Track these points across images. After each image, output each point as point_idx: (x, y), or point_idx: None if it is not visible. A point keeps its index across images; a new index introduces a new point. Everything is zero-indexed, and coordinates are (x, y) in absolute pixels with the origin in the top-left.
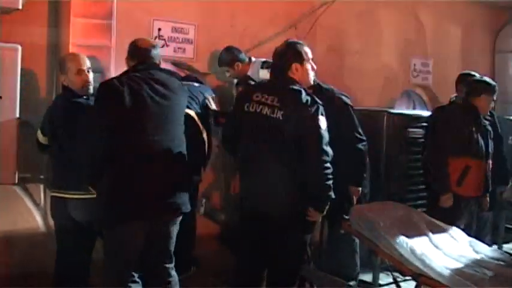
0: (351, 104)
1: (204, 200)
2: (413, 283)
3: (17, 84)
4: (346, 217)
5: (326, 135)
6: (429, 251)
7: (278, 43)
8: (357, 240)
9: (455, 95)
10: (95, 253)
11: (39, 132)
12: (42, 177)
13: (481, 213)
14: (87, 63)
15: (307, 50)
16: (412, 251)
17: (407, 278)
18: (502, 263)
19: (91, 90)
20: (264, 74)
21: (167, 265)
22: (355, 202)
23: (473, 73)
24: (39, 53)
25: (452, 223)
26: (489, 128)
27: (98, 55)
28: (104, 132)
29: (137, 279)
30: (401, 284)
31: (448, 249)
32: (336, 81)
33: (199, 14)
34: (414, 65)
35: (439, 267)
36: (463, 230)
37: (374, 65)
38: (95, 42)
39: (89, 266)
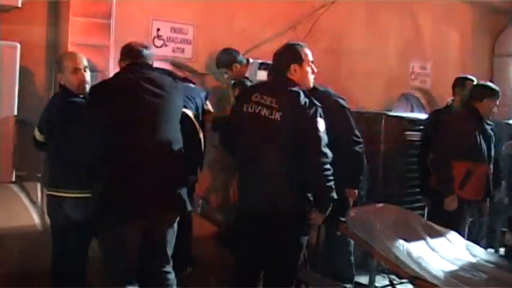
0: (348, 106)
1: (201, 201)
2: (410, 286)
3: (16, 82)
4: (343, 219)
5: (325, 137)
6: (426, 254)
7: (277, 44)
8: (352, 242)
9: (452, 98)
10: (91, 252)
11: (36, 130)
12: (39, 175)
13: (481, 217)
14: (84, 62)
15: (307, 52)
16: (409, 254)
17: (403, 280)
18: (497, 266)
19: (87, 90)
20: (262, 76)
21: (165, 268)
22: (351, 204)
23: (470, 77)
24: (38, 52)
25: (457, 226)
26: (491, 132)
27: (96, 54)
28: (98, 133)
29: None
30: (398, 286)
31: (445, 252)
32: (334, 82)
33: (198, 14)
34: (413, 67)
35: (436, 270)
36: (459, 232)
37: (373, 67)
38: (93, 41)
39: (85, 265)
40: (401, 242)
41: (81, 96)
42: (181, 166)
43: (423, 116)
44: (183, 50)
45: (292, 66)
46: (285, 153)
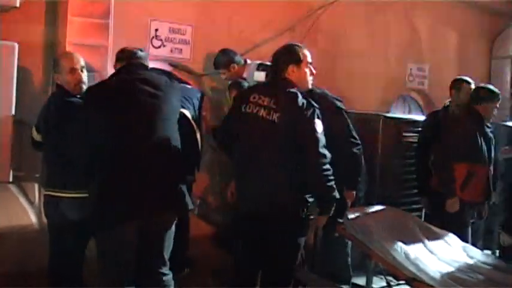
0: (344, 107)
1: (198, 201)
2: (407, 287)
3: (13, 82)
4: (341, 220)
5: (322, 139)
6: (423, 256)
7: (275, 45)
8: (350, 243)
9: (449, 99)
10: (88, 252)
11: (34, 129)
12: (37, 175)
13: (479, 220)
14: (81, 62)
15: (306, 53)
16: (406, 255)
17: (400, 282)
18: (494, 267)
19: (84, 90)
20: (260, 76)
21: (162, 269)
22: (349, 206)
23: (467, 79)
24: (36, 52)
25: (458, 228)
26: (491, 134)
27: (94, 54)
28: (95, 133)
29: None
30: (395, 287)
31: (442, 254)
32: (332, 84)
33: (197, 15)
34: (410, 69)
35: (433, 271)
36: (461, 235)
37: (371, 68)
38: (91, 41)
39: (82, 265)
40: (399, 243)
41: (78, 96)
42: (179, 166)
43: (421, 117)
44: (181, 51)
45: (291, 67)
46: (283, 154)
